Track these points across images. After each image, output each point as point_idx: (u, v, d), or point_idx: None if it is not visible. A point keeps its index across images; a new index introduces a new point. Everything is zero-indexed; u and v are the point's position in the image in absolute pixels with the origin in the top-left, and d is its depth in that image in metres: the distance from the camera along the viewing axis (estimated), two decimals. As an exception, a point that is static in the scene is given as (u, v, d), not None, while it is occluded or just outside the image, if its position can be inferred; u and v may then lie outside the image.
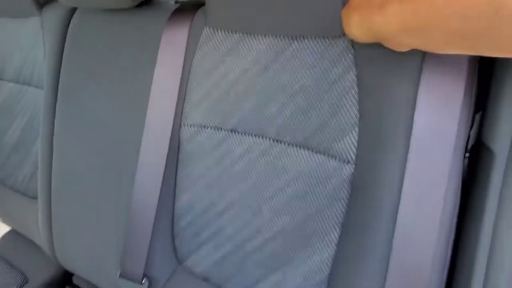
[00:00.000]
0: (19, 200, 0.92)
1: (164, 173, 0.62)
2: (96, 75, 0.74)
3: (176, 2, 0.69)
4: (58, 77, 0.80)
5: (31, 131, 0.89)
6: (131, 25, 0.70)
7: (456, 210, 0.45)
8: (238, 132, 0.59)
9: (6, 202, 0.96)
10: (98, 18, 0.75)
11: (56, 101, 0.80)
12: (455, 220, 0.45)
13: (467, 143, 0.46)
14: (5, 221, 0.99)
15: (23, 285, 0.88)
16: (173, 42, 0.62)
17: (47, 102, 0.82)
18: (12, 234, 0.98)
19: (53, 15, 0.81)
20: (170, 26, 0.63)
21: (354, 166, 0.49)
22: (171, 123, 0.62)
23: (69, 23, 0.78)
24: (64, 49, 0.79)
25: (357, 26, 0.41)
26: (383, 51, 0.46)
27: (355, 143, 0.49)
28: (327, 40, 0.51)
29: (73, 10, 0.79)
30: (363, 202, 0.48)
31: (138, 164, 0.64)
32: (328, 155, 0.51)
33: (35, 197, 0.89)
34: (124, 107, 0.69)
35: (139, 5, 0.70)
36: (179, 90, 0.62)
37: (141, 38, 0.68)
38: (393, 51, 0.45)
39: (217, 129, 0.60)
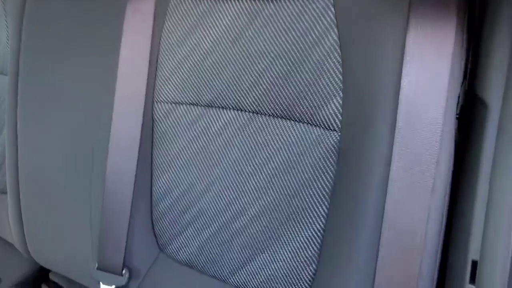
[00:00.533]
0: (-14, 196, 0.86)
1: (139, 155, 0.58)
2: (59, 55, 0.68)
3: None
4: (19, 62, 0.74)
5: (-5, 121, 0.83)
6: (90, 4, 0.64)
7: (450, 173, 0.42)
8: (214, 107, 0.55)
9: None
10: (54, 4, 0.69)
11: (17, 85, 0.74)
12: (449, 182, 0.42)
13: (457, 102, 0.44)
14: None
15: (-3, 285, 0.83)
16: (139, 11, 0.57)
17: (11, 89, 0.76)
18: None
19: None
20: (133, 1, 0.58)
21: (339, 133, 0.46)
22: (143, 100, 0.57)
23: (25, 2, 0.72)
24: (23, 32, 0.73)
25: None
26: (366, 7, 0.43)
27: (340, 109, 0.45)
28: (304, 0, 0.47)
29: None
30: (352, 171, 0.45)
31: (109, 147, 0.59)
32: (312, 124, 0.48)
33: (4, 192, 0.84)
34: (92, 86, 0.64)
35: None
36: (149, 64, 0.57)
37: (104, 10, 0.62)
38: (376, 6, 0.42)
39: (192, 105, 0.56)
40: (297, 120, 0.49)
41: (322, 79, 0.47)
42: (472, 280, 0.41)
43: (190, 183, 0.57)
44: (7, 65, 0.77)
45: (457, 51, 0.40)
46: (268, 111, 0.51)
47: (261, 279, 0.54)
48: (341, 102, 0.45)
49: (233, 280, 0.57)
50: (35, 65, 0.72)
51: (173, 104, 0.57)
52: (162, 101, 0.58)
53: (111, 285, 0.63)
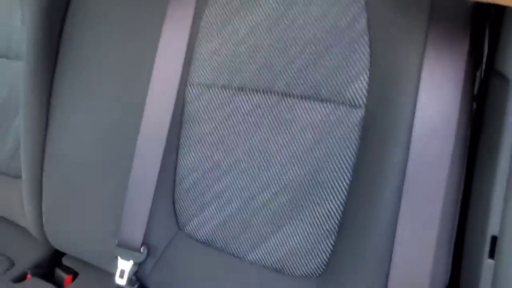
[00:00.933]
0: (1, 180, 0.87)
1: (168, 135, 0.61)
2: (100, 37, 0.71)
3: None
4: (41, 46, 0.75)
5: (9, 107, 0.84)
6: None
7: (467, 145, 0.45)
8: (245, 90, 0.58)
9: (-15, 183, 0.90)
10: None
11: (38, 73, 0.76)
12: (466, 154, 0.45)
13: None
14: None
15: (9, 269, 0.83)
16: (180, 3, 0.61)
17: (28, 75, 0.77)
18: (-7, 217, 0.93)
19: None
20: None
21: (364, 110, 0.49)
22: (177, 83, 0.61)
23: None
24: (67, 17, 0.75)
25: None
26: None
27: (366, 86, 0.49)
28: None
29: None
30: (374, 146, 0.48)
31: (141, 126, 0.62)
32: (338, 103, 0.51)
33: (18, 176, 0.85)
34: (128, 71, 0.67)
35: None
36: (186, 49, 0.61)
37: (146, 3, 0.65)
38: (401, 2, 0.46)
39: (224, 88, 0.59)
40: (325, 100, 0.52)
41: (350, 60, 0.50)
42: (491, 255, 0.42)
43: (215, 161, 0.60)
44: (21, 51, 0.79)
45: (473, 45, 0.44)
46: (297, 93, 0.54)
47: (280, 254, 0.57)
48: (367, 79, 0.49)
49: (251, 257, 0.59)
50: (73, 53, 0.74)
51: (206, 87, 0.60)
52: (195, 84, 0.61)
53: (129, 260, 0.64)
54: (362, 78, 0.49)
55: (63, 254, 0.84)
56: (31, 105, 0.77)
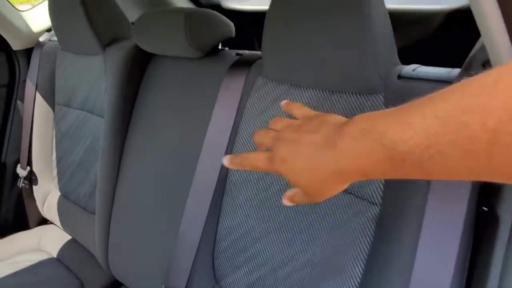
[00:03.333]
0: (80, 214, 1.04)
1: (212, 199, 0.71)
2: (164, 110, 0.85)
3: (236, 54, 0.79)
4: (118, 108, 0.91)
5: (92, 153, 1.01)
6: (197, 72, 0.81)
7: (470, 245, 0.48)
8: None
9: (69, 214, 1.08)
10: (169, 63, 0.87)
11: (114, 129, 0.92)
12: (468, 257, 0.48)
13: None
14: (67, 231, 1.12)
15: (79, 290, 0.99)
16: (230, 88, 0.72)
17: (107, 130, 0.93)
18: (72, 243, 1.10)
19: (113, 55, 0.93)
20: (229, 75, 0.73)
21: (379, 207, 0.54)
22: (223, 154, 0.70)
23: (126, 64, 0.90)
24: (140, 87, 0.92)
25: None
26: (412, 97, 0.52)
27: (382, 187, 0.54)
28: (361, 96, 0.57)
29: (132, 53, 0.90)
30: (387, 238, 0.53)
31: (190, 191, 0.72)
32: (358, 196, 0.56)
33: (93, 212, 1.01)
34: (184, 139, 0.79)
35: (205, 55, 0.82)
36: (232, 128, 0.71)
37: (204, 83, 0.79)
38: None
39: None
40: (347, 191, 0.58)
41: None
42: None
43: (249, 228, 0.68)
44: (103, 110, 0.96)
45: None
46: None
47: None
48: (383, 182, 0.54)
49: None
50: (142, 114, 0.90)
51: None
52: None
53: None
54: (378, 180, 0.54)
55: (122, 284, 0.98)
56: (108, 156, 0.93)
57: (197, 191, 0.73)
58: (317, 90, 0.62)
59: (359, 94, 0.57)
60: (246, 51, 0.79)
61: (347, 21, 0.53)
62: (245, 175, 0.70)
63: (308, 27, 0.57)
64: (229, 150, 0.72)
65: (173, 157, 0.82)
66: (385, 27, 0.56)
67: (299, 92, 0.64)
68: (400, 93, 0.54)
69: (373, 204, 0.55)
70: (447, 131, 0.24)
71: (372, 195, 0.55)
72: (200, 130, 0.76)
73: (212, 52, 0.81)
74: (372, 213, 0.55)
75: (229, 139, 0.71)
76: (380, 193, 0.54)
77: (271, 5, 0.62)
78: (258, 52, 0.76)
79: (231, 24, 0.83)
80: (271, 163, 0.38)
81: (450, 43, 0.95)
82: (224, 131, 0.72)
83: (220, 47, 0.84)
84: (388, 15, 0.58)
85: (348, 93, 0.58)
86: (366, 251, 0.56)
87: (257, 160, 0.40)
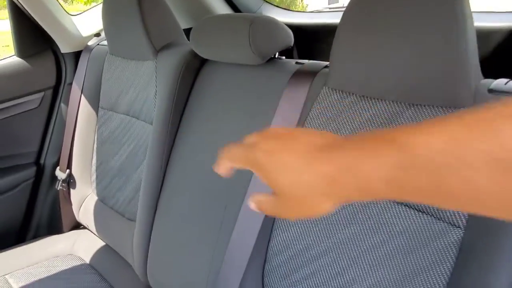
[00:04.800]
0: (117, 220, 1.02)
1: (264, 219, 0.67)
2: (216, 118, 0.83)
3: (296, 63, 0.77)
4: (168, 114, 0.89)
5: (134, 159, 1.00)
6: (255, 79, 0.79)
7: None
8: None
9: (105, 220, 1.06)
10: (225, 70, 0.85)
11: (163, 135, 0.90)
12: None
13: None
14: (101, 237, 1.10)
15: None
16: (292, 99, 0.69)
17: (155, 136, 0.91)
18: (106, 249, 1.08)
19: (166, 61, 0.92)
20: (291, 85, 0.70)
21: (463, 231, 0.50)
22: None
23: (179, 70, 0.89)
24: (191, 93, 0.90)
25: None
26: None
27: None
28: (444, 109, 0.53)
29: (185, 59, 0.89)
30: (473, 265, 0.48)
31: (244, 202, 0.69)
32: (436, 217, 0.52)
33: (131, 219, 0.98)
34: None
35: (263, 64, 0.79)
36: None
37: (263, 92, 0.76)
38: None
39: None
40: (422, 211, 0.53)
41: None
42: None
43: (306, 245, 0.64)
44: (151, 115, 0.94)
45: None
46: None
47: None
48: None
49: None
50: (195, 121, 0.87)
51: None
52: None
53: None
54: None
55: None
56: (154, 162, 0.91)
57: (248, 209, 0.70)
58: (390, 102, 0.59)
59: (443, 108, 0.54)
60: (307, 61, 0.77)
61: (439, 32, 0.50)
62: None
63: (390, 37, 0.54)
64: None
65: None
66: (474, 39, 0.53)
67: (368, 104, 0.61)
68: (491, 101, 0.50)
69: (455, 226, 0.51)
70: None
71: (454, 216, 0.51)
72: None
73: (270, 61, 0.79)
74: (454, 237, 0.51)
75: None
76: (465, 214, 0.50)
77: (347, 13, 0.60)
78: (321, 62, 0.73)
79: (291, 33, 0.82)
80: (251, 152, 0.31)
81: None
82: None
83: (276, 55, 0.82)
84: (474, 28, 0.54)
85: (430, 106, 0.55)
86: (446, 279, 0.51)
87: (236, 151, 0.34)
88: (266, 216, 0.67)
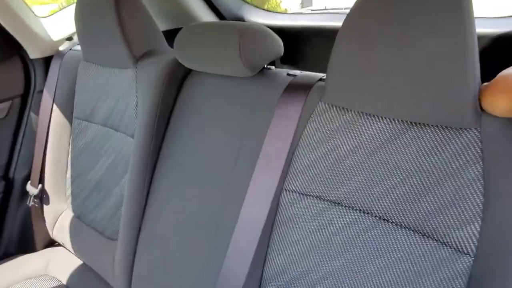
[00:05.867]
0: (96, 238, 0.95)
1: (260, 236, 0.63)
2: (204, 134, 0.78)
3: (288, 75, 0.73)
4: (150, 127, 0.84)
5: (113, 173, 0.93)
6: (245, 93, 0.74)
7: None
8: (341, 205, 0.59)
9: (82, 237, 0.99)
10: (212, 81, 0.80)
11: (146, 149, 0.84)
12: None
13: None
14: (79, 256, 1.03)
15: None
16: (285, 115, 0.65)
17: (137, 149, 0.85)
18: (84, 268, 1.01)
19: (147, 70, 0.85)
20: (284, 100, 0.66)
21: (473, 258, 0.48)
22: (274, 188, 0.63)
23: (163, 80, 0.83)
24: (175, 105, 0.84)
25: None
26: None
27: (477, 235, 0.47)
28: (450, 130, 0.51)
29: (169, 68, 0.84)
30: None
31: (237, 223, 0.65)
32: (442, 243, 0.50)
33: (111, 238, 0.92)
34: (228, 168, 0.72)
35: (257, 74, 0.75)
36: (285, 160, 0.64)
37: (253, 107, 0.71)
38: None
39: (319, 198, 0.61)
40: (426, 235, 0.51)
41: (460, 204, 0.49)
42: None
43: (306, 269, 0.61)
44: (131, 127, 0.88)
45: None
46: (396, 220, 0.54)
47: None
48: (479, 229, 0.47)
49: None
50: (178, 134, 0.82)
51: (301, 195, 0.62)
52: (291, 190, 0.63)
53: None
54: (472, 226, 0.48)
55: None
56: (137, 177, 0.85)
57: (244, 226, 0.66)
58: (392, 120, 0.56)
59: (448, 128, 0.51)
60: (298, 72, 0.73)
61: (447, 45, 0.47)
62: (299, 209, 0.63)
63: (394, 49, 0.51)
64: (280, 182, 0.64)
65: (215, 187, 0.74)
66: (477, 55, 0.51)
67: (367, 122, 0.58)
68: (502, 130, 0.48)
69: (464, 254, 0.48)
70: None
71: (462, 241, 0.48)
72: (248, 159, 0.69)
73: (259, 72, 0.75)
74: (462, 264, 0.48)
75: (282, 171, 0.64)
76: (475, 241, 0.47)
77: (347, 22, 0.56)
78: (316, 74, 0.70)
79: (281, 41, 0.77)
80: None
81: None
82: (276, 162, 0.65)
83: (265, 65, 0.78)
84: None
85: (435, 126, 0.52)
86: None
87: None
88: (259, 241, 0.63)
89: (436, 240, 0.51)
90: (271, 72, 0.76)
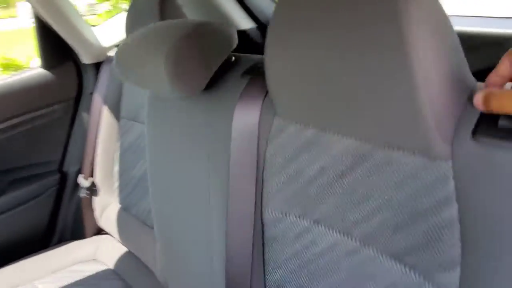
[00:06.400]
0: (140, 228, 1.05)
1: (252, 254, 0.60)
2: (174, 159, 0.73)
3: (244, 73, 0.63)
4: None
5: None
6: (200, 111, 0.66)
7: None
8: (322, 225, 0.52)
9: (128, 227, 1.09)
10: (169, 104, 0.73)
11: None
12: None
13: None
14: (124, 243, 1.13)
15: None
16: (244, 134, 0.58)
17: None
18: (129, 255, 1.11)
19: None
20: (239, 112, 0.58)
21: None
22: (253, 206, 0.58)
23: None
24: (146, 129, 0.79)
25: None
26: (492, 174, 0.38)
27: (457, 282, 0.42)
28: (419, 157, 0.42)
29: None
30: None
31: (226, 245, 0.62)
32: (426, 279, 0.44)
33: (152, 227, 1.01)
34: (202, 190, 0.68)
35: (205, 89, 0.64)
36: (256, 177, 0.57)
37: (211, 124, 0.64)
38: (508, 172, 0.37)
39: (301, 217, 0.55)
40: (409, 267, 0.45)
41: (438, 245, 0.42)
42: None
43: (299, 286, 0.58)
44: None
45: None
46: (378, 248, 0.48)
47: None
48: (459, 272, 0.41)
49: None
50: (157, 161, 0.78)
51: (282, 214, 0.57)
52: (271, 210, 0.58)
53: None
54: (452, 272, 0.41)
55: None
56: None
57: (233, 248, 0.62)
58: (355, 140, 0.47)
59: (415, 155, 0.43)
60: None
61: (385, 58, 0.39)
62: (283, 229, 0.57)
63: (338, 50, 0.41)
64: (258, 201, 0.58)
65: (198, 204, 0.70)
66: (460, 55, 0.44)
67: (332, 140, 0.49)
68: (476, 157, 0.39)
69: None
70: None
71: (446, 282, 0.42)
72: (219, 182, 0.63)
73: (211, 84, 0.65)
74: None
75: (256, 189, 0.58)
76: (457, 282, 0.41)
77: (277, 12, 0.46)
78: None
79: (231, 44, 0.66)
80: None
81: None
82: (248, 181, 0.58)
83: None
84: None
85: (398, 150, 0.44)
86: None
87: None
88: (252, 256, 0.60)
89: (419, 275, 0.44)
90: (224, 81, 0.65)
